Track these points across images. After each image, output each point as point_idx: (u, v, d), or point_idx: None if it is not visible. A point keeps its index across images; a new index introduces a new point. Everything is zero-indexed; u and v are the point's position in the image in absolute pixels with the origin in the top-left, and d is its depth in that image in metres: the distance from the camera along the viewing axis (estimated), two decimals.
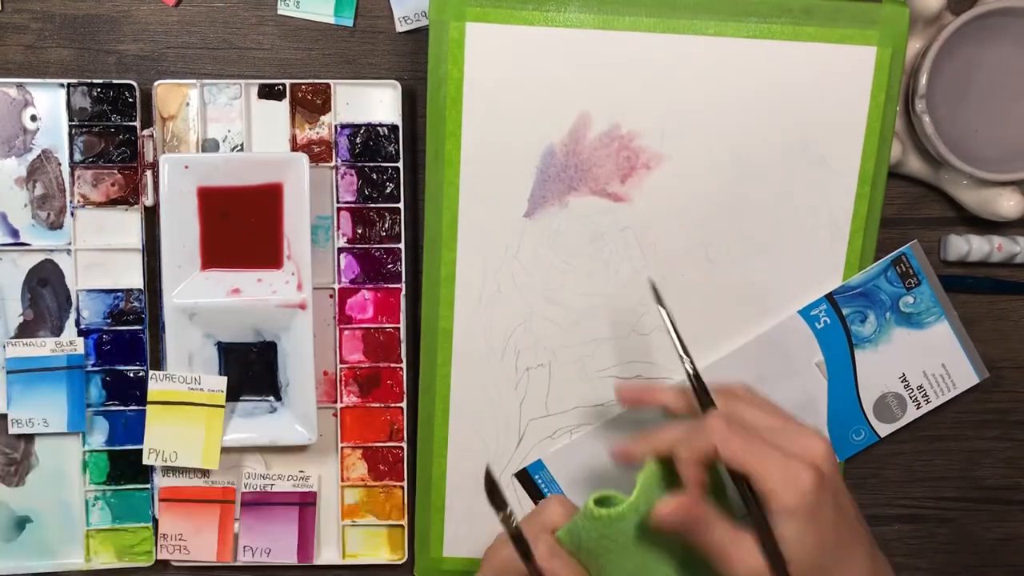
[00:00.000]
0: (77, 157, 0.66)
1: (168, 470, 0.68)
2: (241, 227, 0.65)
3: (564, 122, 0.65)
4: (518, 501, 0.69)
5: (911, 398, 0.69)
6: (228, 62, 0.67)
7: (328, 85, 0.66)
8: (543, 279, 0.67)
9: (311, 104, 0.67)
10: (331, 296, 0.68)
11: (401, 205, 0.67)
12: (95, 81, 0.65)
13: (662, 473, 0.63)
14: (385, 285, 0.68)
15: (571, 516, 0.59)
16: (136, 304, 0.67)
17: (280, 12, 0.67)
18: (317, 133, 0.67)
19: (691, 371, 0.58)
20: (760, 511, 0.54)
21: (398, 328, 0.68)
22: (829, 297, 0.67)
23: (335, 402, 0.68)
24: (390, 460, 0.69)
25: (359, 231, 0.67)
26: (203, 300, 0.65)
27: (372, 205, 0.67)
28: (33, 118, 0.66)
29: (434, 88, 0.64)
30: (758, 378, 0.66)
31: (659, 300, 0.60)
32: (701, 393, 0.58)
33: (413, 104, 0.68)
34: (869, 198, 0.66)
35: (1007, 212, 0.66)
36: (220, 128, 0.66)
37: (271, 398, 0.67)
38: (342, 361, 0.68)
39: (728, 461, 0.54)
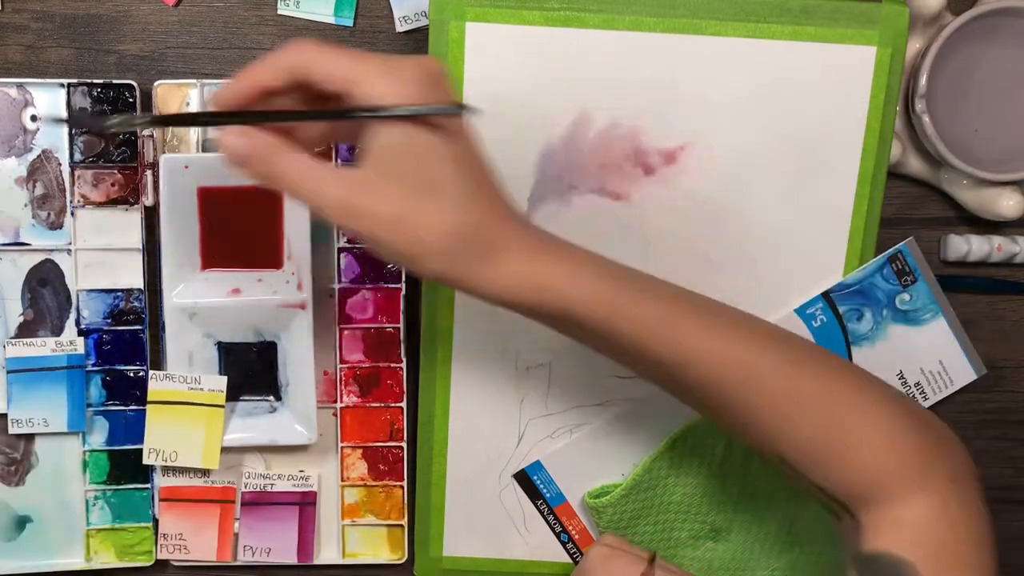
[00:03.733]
0: (77, 157, 0.66)
1: (168, 470, 0.68)
2: (241, 227, 0.65)
3: (564, 121, 0.65)
4: (519, 502, 0.69)
5: (909, 395, 0.69)
6: (228, 62, 0.67)
7: None
8: None
9: None
10: (331, 296, 0.68)
11: None
12: (95, 81, 0.65)
13: (662, 461, 0.65)
14: (385, 285, 0.68)
15: None
16: (136, 304, 0.67)
17: (280, 12, 0.67)
18: None
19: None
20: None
21: (398, 328, 0.68)
22: (825, 295, 0.67)
23: (335, 402, 0.69)
24: (390, 460, 0.69)
25: None
26: (203, 300, 0.65)
27: None
28: (33, 118, 0.66)
29: None
30: None
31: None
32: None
33: None
34: (869, 198, 0.66)
35: (1007, 212, 0.66)
36: None
37: (271, 398, 0.67)
38: (342, 361, 0.68)
39: (324, 74, 0.47)
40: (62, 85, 0.65)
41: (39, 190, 0.66)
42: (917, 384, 0.69)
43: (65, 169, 0.66)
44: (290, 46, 0.49)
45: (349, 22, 0.67)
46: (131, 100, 0.65)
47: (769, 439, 0.54)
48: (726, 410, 0.54)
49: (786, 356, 0.54)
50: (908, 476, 0.53)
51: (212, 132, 0.50)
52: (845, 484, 0.53)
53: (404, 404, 0.68)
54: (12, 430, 0.67)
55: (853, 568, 0.53)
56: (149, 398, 0.66)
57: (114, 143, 0.66)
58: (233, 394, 0.67)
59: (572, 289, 0.51)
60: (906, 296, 0.68)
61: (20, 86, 0.65)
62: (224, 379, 0.66)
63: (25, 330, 0.67)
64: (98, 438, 0.68)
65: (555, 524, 0.70)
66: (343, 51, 0.48)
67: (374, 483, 0.69)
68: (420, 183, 0.48)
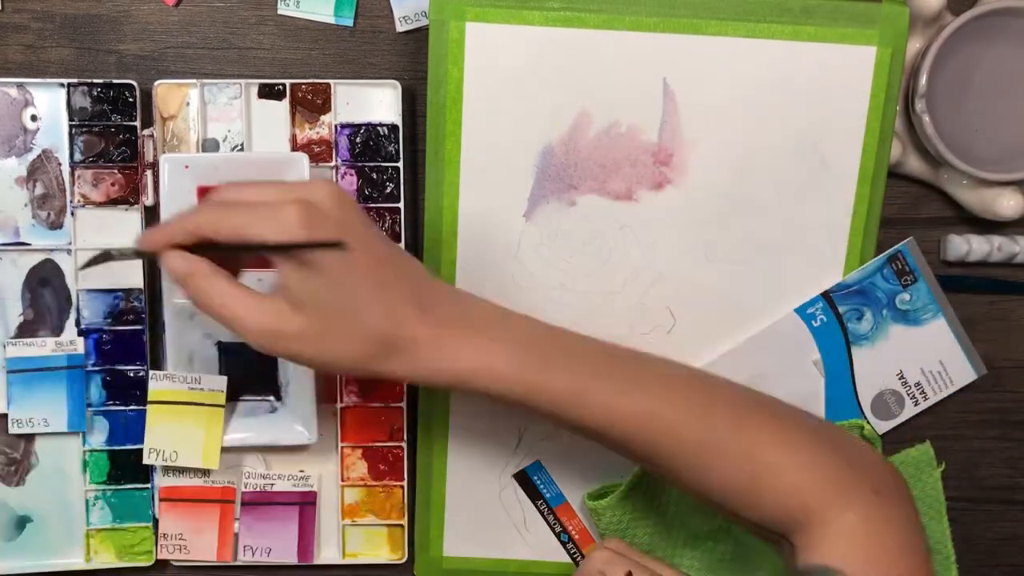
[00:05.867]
0: (77, 157, 0.66)
1: (168, 470, 0.68)
2: None
3: (564, 121, 0.65)
4: (519, 502, 0.69)
5: (909, 395, 0.69)
6: (228, 62, 0.67)
7: (328, 85, 0.66)
8: (543, 278, 0.67)
9: (311, 104, 0.67)
10: None
11: (401, 205, 0.67)
12: (95, 81, 0.65)
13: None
14: None
15: None
16: (136, 304, 0.67)
17: (280, 12, 0.67)
18: (317, 133, 0.67)
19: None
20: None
21: None
22: (825, 295, 0.67)
23: (335, 402, 0.68)
24: (390, 460, 0.69)
25: None
26: None
27: (372, 205, 0.67)
28: (33, 118, 0.66)
29: (434, 88, 0.64)
30: (756, 376, 0.66)
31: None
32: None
33: (413, 104, 0.68)
34: (869, 198, 0.66)
35: (1007, 212, 0.66)
36: (220, 128, 0.66)
37: (271, 398, 0.67)
38: None
39: (220, 234, 0.51)
40: (62, 85, 0.65)
41: (39, 190, 0.66)
42: (917, 384, 0.69)
43: (65, 169, 0.66)
44: (196, 212, 0.53)
45: (349, 22, 0.67)
46: (131, 100, 0.65)
47: (695, 484, 0.57)
48: (650, 462, 0.58)
49: (700, 404, 0.57)
50: (830, 496, 0.55)
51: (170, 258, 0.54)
52: (772, 514, 0.56)
53: (404, 404, 0.68)
54: (12, 430, 0.67)
55: None
56: (149, 398, 0.66)
57: (114, 143, 0.66)
58: (233, 394, 0.67)
59: (482, 376, 0.55)
60: (906, 296, 0.68)
61: (20, 86, 0.65)
62: (224, 379, 0.66)
63: (25, 330, 0.67)
64: (98, 438, 0.68)
65: (555, 524, 0.70)
66: (236, 207, 0.52)
67: (374, 483, 0.69)
68: (323, 305, 0.52)
